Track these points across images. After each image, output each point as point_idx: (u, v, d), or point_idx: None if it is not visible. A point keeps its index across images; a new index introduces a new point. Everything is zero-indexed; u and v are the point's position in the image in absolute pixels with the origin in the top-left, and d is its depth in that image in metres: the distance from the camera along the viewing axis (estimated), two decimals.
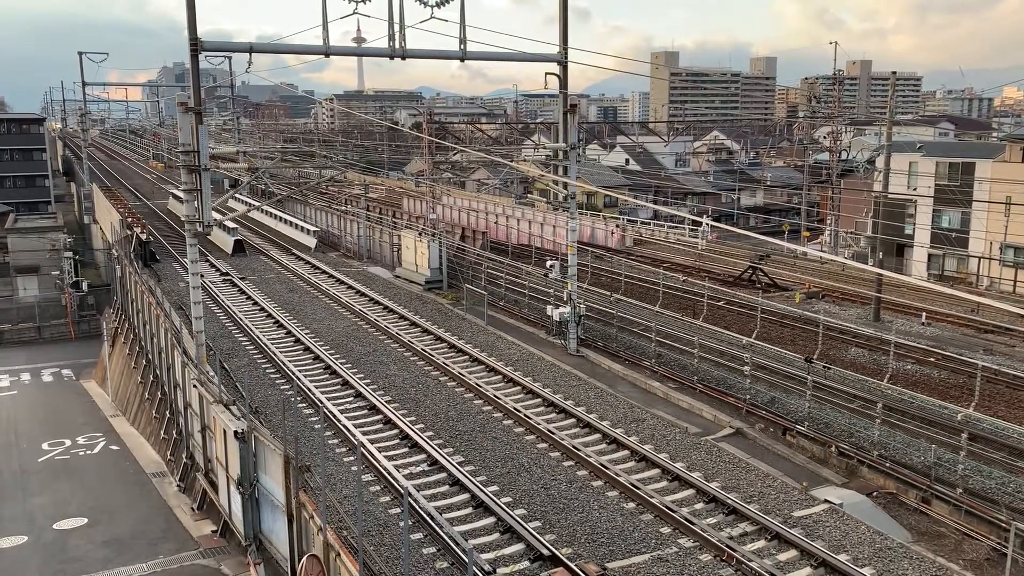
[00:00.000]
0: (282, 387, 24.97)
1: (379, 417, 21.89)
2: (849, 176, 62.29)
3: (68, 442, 34.01)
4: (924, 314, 31.21)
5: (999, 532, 15.98)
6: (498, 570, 14.22)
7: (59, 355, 50.79)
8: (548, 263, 36.43)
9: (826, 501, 16.78)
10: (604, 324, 30.54)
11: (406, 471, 18.37)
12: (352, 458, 19.04)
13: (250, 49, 20.46)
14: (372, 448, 19.36)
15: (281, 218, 59.90)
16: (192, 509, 24.38)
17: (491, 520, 16.05)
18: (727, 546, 14.72)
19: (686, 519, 15.77)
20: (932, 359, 25.75)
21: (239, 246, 50.59)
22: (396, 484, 17.37)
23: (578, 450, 19.23)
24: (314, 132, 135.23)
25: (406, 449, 19.78)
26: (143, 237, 44.98)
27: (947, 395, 23.04)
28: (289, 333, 30.97)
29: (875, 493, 18.00)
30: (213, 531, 22.66)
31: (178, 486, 26.61)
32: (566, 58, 23.43)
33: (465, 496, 17.10)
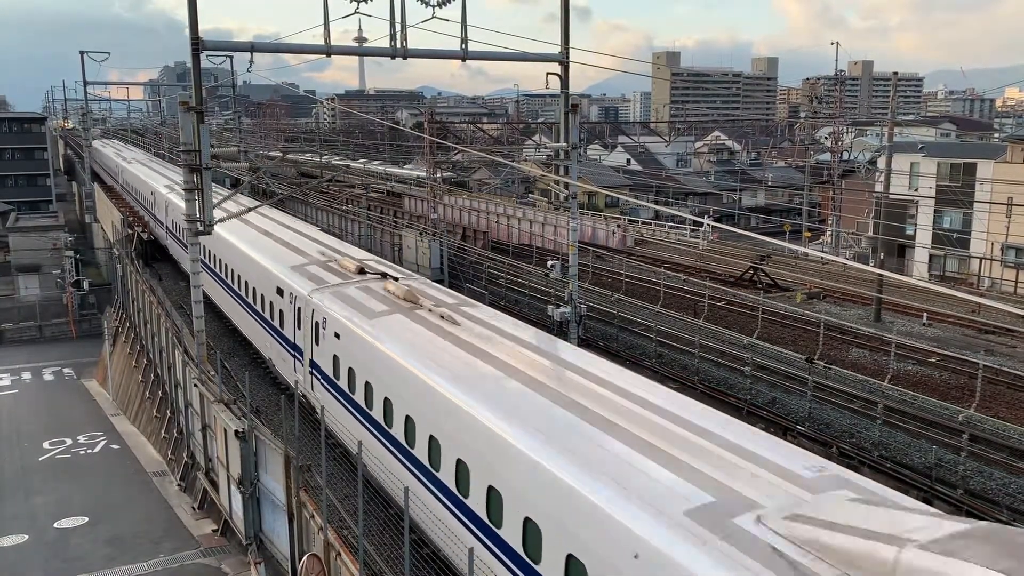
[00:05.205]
0: (283, 386, 24.97)
1: None
2: (850, 176, 62.22)
3: (69, 441, 34.06)
4: (925, 315, 31.19)
5: None
6: None
7: (60, 354, 50.85)
8: (549, 263, 36.41)
9: None
10: (605, 324, 30.57)
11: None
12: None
13: (251, 48, 20.40)
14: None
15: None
16: (193, 508, 24.43)
17: None
18: None
19: None
20: (933, 360, 25.74)
21: None
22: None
23: None
24: (315, 131, 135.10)
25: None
26: (144, 236, 45.01)
27: (948, 396, 23.03)
28: None
29: None
30: (214, 530, 22.72)
31: (179, 485, 26.65)
32: (567, 58, 23.38)
33: None
